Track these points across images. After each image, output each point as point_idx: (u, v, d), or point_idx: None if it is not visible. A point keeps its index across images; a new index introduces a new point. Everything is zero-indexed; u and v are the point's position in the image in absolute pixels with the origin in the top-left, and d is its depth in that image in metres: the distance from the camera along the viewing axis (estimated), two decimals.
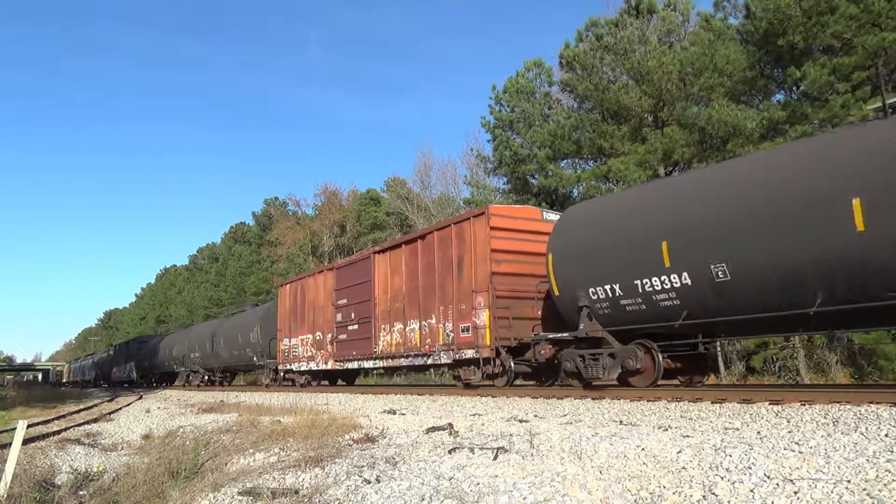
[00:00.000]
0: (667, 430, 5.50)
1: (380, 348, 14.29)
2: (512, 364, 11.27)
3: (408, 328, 13.34)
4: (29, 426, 6.71)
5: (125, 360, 43.79)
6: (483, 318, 11.19)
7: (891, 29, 14.65)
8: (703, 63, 18.48)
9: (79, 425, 12.24)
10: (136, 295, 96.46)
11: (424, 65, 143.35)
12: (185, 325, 49.10)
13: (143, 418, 13.19)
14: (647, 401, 8.04)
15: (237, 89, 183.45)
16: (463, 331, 11.66)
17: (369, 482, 4.52)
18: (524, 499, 3.73)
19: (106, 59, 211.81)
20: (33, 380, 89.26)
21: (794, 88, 18.01)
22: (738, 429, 5.43)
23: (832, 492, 3.26)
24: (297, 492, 4.58)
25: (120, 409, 17.41)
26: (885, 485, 3.27)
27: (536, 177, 24.25)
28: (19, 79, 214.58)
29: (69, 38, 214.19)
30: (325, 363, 16.83)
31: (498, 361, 11.24)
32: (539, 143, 22.99)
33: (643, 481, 3.85)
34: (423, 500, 3.93)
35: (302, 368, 18.22)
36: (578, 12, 78.87)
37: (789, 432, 4.96)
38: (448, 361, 12.23)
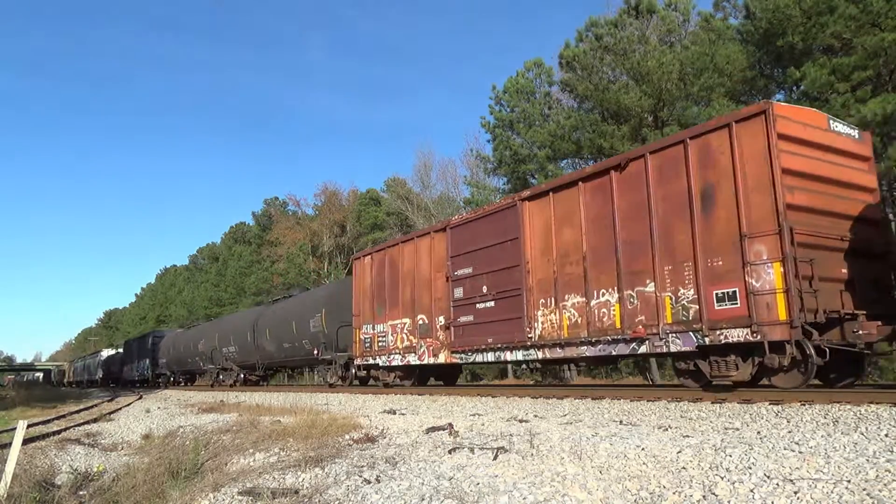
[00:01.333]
0: (667, 430, 5.50)
1: (538, 333, 10.30)
2: (813, 351, 7.23)
3: (594, 302, 9.41)
4: (29, 426, 6.71)
5: (138, 357, 39.98)
6: (769, 276, 7.37)
7: (890, 29, 14.65)
8: (703, 63, 18.49)
9: (79, 425, 12.23)
10: (136, 295, 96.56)
11: (424, 65, 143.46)
12: (208, 317, 45.18)
13: (143, 418, 13.19)
14: (647, 401, 8.04)
15: (237, 89, 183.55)
16: (720, 300, 7.80)
17: (369, 482, 4.52)
18: (524, 499, 3.73)
19: (106, 60, 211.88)
20: (35, 380, 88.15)
21: (794, 88, 18.01)
22: (738, 429, 5.43)
23: (832, 492, 3.26)
24: (297, 492, 4.58)
25: (120, 409, 17.41)
26: (885, 485, 3.27)
27: (536, 177, 24.25)
28: (19, 79, 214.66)
29: (69, 38, 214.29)
30: (435, 356, 12.50)
31: (789, 348, 7.33)
32: (539, 143, 22.99)
33: (643, 481, 3.86)
34: (423, 500, 3.93)
35: (394, 363, 13.99)
36: (578, 12, 78.89)
37: (789, 432, 4.96)
38: (687, 348, 8.16)
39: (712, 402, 7.31)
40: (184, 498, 4.94)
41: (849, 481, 3.38)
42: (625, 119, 20.98)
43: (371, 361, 14.85)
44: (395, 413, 9.23)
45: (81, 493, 5.75)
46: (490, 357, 11.41)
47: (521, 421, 7.01)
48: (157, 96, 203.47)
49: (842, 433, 4.69)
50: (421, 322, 13.05)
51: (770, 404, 6.68)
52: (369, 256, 15.39)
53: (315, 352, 18.40)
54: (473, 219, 12.04)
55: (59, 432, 10.60)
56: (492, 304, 11.27)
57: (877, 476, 3.42)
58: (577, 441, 5.07)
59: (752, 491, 3.43)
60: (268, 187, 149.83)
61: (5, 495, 5.11)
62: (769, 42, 17.09)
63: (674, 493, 3.58)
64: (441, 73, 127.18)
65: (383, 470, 4.84)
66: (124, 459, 7.54)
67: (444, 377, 15.95)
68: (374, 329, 14.82)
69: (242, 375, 25.03)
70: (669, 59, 19.18)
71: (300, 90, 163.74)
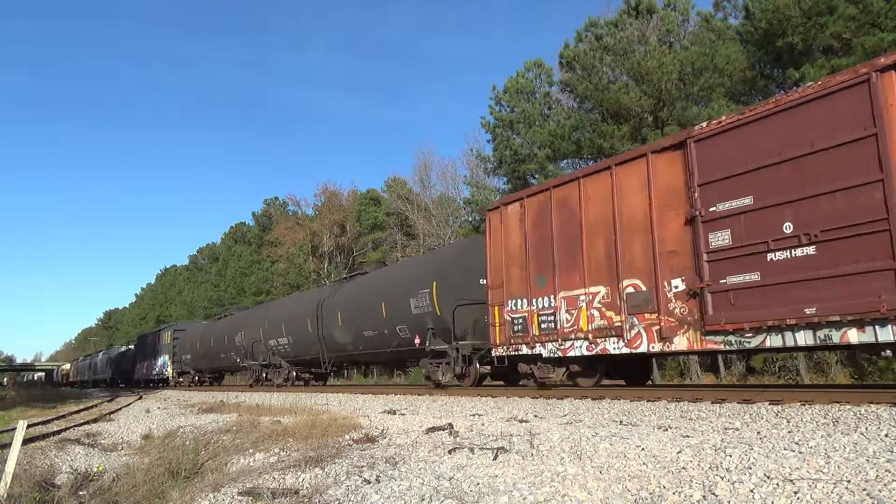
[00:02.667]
0: (667, 430, 5.51)
1: None
2: None
3: None
4: (29, 426, 6.71)
5: (155, 353, 35.96)
6: None
7: (890, 29, 14.66)
8: (703, 63, 18.50)
9: (79, 425, 12.23)
10: (136, 295, 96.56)
11: (424, 65, 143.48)
12: (244, 305, 38.43)
13: (143, 418, 13.19)
14: (647, 401, 8.05)
15: (237, 89, 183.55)
16: None
17: (369, 482, 4.53)
18: (524, 499, 3.73)
19: (106, 59, 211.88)
20: (36, 380, 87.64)
21: (794, 88, 18.00)
22: (738, 429, 5.43)
23: (832, 492, 3.26)
24: (297, 492, 4.58)
25: (120, 409, 17.40)
26: (885, 485, 3.27)
27: (536, 177, 24.26)
28: (19, 79, 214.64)
29: (69, 38, 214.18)
30: (665, 340, 8.20)
31: None
32: (539, 143, 23.01)
33: (643, 481, 3.86)
34: (423, 500, 3.93)
35: (572, 352, 9.63)
36: (578, 12, 78.89)
37: (789, 432, 4.96)
38: None
39: (712, 402, 7.32)
40: (184, 498, 4.94)
41: (849, 481, 3.38)
42: (625, 119, 21.00)
43: (525, 351, 10.48)
44: (395, 413, 9.23)
45: (81, 493, 5.75)
46: (805, 338, 6.90)
47: (521, 421, 7.01)
48: (157, 96, 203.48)
49: (842, 433, 4.70)
50: (631, 290, 8.71)
51: (770, 404, 6.68)
52: (517, 204, 10.91)
53: (416, 340, 13.72)
54: (751, 119, 7.59)
55: (59, 432, 10.60)
56: (809, 250, 6.95)
57: (877, 476, 3.42)
58: (577, 441, 5.07)
59: (752, 491, 3.43)
60: (268, 187, 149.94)
61: (5, 495, 5.11)
62: (769, 42, 17.11)
63: (674, 493, 3.58)
64: (441, 73, 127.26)
65: (383, 470, 4.84)
66: (124, 459, 7.54)
67: (625, 373, 11.19)
68: (531, 305, 10.38)
69: (294, 373, 20.86)
70: (669, 59, 19.20)
71: (300, 90, 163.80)
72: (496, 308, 11.08)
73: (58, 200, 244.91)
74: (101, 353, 58.81)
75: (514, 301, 10.73)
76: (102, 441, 9.84)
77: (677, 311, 8.13)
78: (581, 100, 22.40)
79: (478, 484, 4.13)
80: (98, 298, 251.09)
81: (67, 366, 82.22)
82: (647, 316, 8.53)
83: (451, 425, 6.61)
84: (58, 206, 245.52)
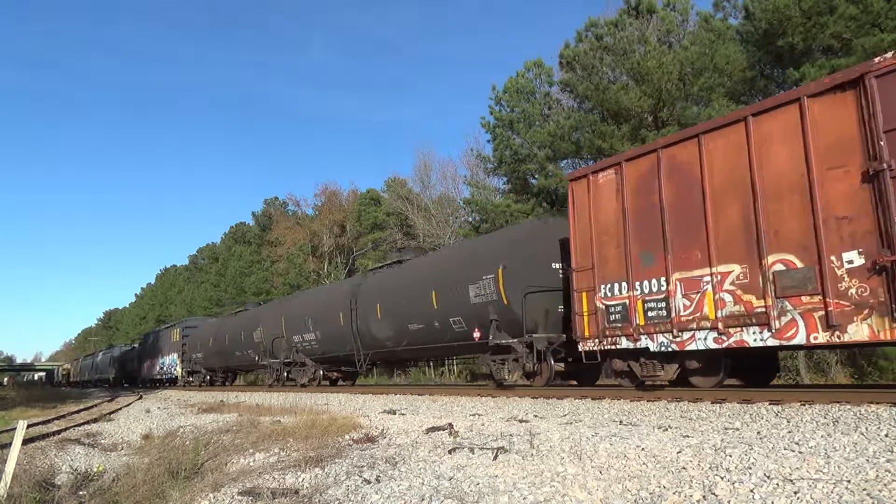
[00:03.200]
0: (667, 430, 5.50)
1: None
2: None
3: None
4: (29, 426, 6.71)
5: (163, 351, 33.89)
6: None
7: (890, 29, 14.65)
8: (703, 63, 18.48)
9: (79, 425, 12.23)
10: (136, 295, 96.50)
11: (424, 65, 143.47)
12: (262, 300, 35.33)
13: (142, 418, 13.18)
14: (647, 401, 8.05)
15: (237, 89, 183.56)
16: None
17: (369, 482, 4.52)
18: (524, 499, 3.73)
19: (107, 58, 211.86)
20: (37, 380, 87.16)
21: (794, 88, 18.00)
22: (738, 429, 5.43)
23: (832, 492, 3.26)
24: (297, 492, 4.58)
25: (120, 409, 17.40)
26: (885, 485, 3.27)
27: (536, 177, 24.27)
28: (19, 79, 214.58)
29: (69, 37, 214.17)
30: (836, 330, 6.68)
31: None
32: (539, 144, 22.99)
33: (643, 481, 3.86)
34: (422, 500, 3.93)
35: (693, 346, 8.08)
36: (578, 12, 78.91)
37: (789, 432, 4.96)
38: None
39: (712, 402, 7.32)
40: (184, 498, 4.94)
41: (849, 481, 3.38)
42: (624, 119, 20.99)
43: (624, 345, 8.86)
44: (395, 413, 9.23)
45: (81, 493, 5.75)
46: None
47: (521, 421, 7.01)
48: (157, 95, 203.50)
49: (842, 433, 4.70)
50: (780, 268, 7.21)
51: (770, 404, 6.69)
52: (611, 171, 9.32)
53: (476, 334, 11.93)
54: None
55: (58, 432, 10.60)
56: None
57: (877, 476, 3.42)
58: (577, 441, 5.07)
59: (752, 491, 3.43)
60: (268, 187, 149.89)
61: (5, 495, 5.11)
62: (769, 42, 17.09)
63: (674, 493, 3.58)
64: (441, 73, 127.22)
65: (383, 470, 4.84)
66: (124, 459, 7.53)
67: (748, 371, 9.28)
68: (632, 290, 8.83)
69: (321, 372, 18.95)
70: (669, 59, 19.19)
71: (300, 90, 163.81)
72: (584, 294, 9.46)
73: (58, 200, 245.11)
74: (103, 352, 56.56)
75: (608, 286, 9.14)
76: (102, 441, 9.84)
77: (853, 291, 6.55)
78: (581, 100, 22.39)
79: (478, 484, 4.13)
80: (98, 298, 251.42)
81: (68, 365, 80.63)
82: (805, 299, 6.92)
83: (451, 425, 6.61)
84: (58, 206, 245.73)
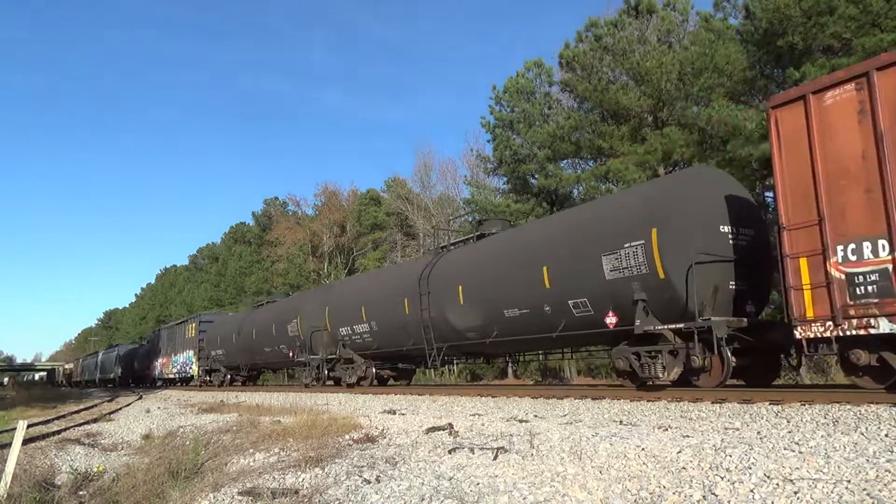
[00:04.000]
0: (667, 430, 5.50)
1: None
2: None
3: None
4: (29, 426, 6.71)
5: (175, 348, 31.38)
6: None
7: (890, 30, 14.65)
8: (703, 63, 18.48)
9: (79, 425, 12.23)
10: (136, 295, 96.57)
11: (424, 65, 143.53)
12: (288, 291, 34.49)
13: (142, 418, 13.19)
14: (647, 401, 8.05)
15: (237, 89, 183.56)
16: None
17: (369, 482, 4.52)
18: (524, 499, 3.73)
19: (107, 57, 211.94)
20: (38, 380, 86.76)
21: None
22: (738, 429, 5.43)
23: (832, 492, 3.26)
24: (297, 492, 4.58)
25: (120, 409, 17.41)
26: (885, 485, 3.27)
27: (536, 177, 24.27)
28: (19, 79, 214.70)
29: (70, 37, 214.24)
30: None
31: None
32: (539, 144, 23.00)
33: (643, 481, 3.86)
34: (422, 500, 3.93)
35: None
36: (578, 12, 78.92)
37: (789, 432, 4.96)
38: None
39: (712, 402, 7.32)
40: (184, 498, 4.94)
41: (849, 481, 3.38)
42: (624, 119, 20.99)
43: (883, 328, 6.56)
44: (395, 413, 9.23)
45: (81, 493, 5.75)
46: None
47: (521, 421, 7.01)
48: (157, 95, 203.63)
49: (842, 433, 4.70)
50: None
51: (770, 404, 6.69)
52: (850, 87, 6.95)
53: (610, 319, 9.43)
54: None
55: (59, 432, 10.61)
56: None
57: (877, 476, 3.42)
58: (577, 441, 5.07)
59: (752, 491, 3.43)
60: (268, 187, 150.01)
61: (5, 495, 5.11)
62: (769, 42, 17.09)
63: (674, 493, 3.58)
64: (441, 72, 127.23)
65: (383, 470, 4.84)
66: (124, 459, 7.54)
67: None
68: None
69: (373, 370, 16.24)
70: (669, 59, 19.19)
71: (301, 90, 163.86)
72: (803, 261, 7.18)
73: (58, 200, 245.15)
74: (108, 351, 53.51)
75: (849, 246, 6.80)
76: (102, 441, 9.84)
77: None
78: (581, 100, 22.40)
79: (478, 484, 4.13)
80: (98, 298, 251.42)
81: (70, 365, 77.09)
82: None
83: (451, 425, 6.61)
84: (58, 206, 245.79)
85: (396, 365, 16.65)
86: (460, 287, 12.31)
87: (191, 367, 28.78)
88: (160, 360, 34.24)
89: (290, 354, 19.26)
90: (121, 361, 46.04)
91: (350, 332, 16.21)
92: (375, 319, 15.18)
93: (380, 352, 15.63)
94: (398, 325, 14.39)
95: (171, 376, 32.14)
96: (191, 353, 28.89)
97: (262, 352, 21.69)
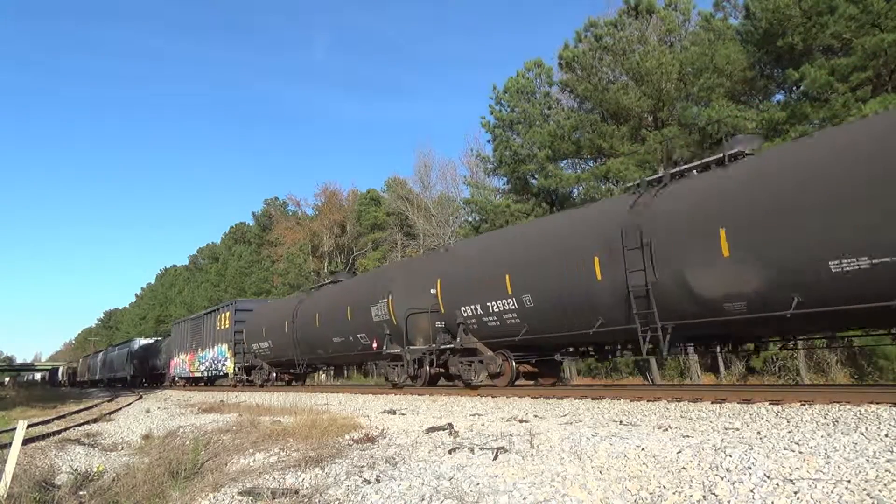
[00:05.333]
0: (667, 430, 5.50)
1: None
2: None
3: None
4: (29, 426, 6.71)
5: (204, 343, 26.68)
6: None
7: (890, 29, 14.66)
8: (703, 63, 18.49)
9: (79, 425, 12.23)
10: (136, 295, 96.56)
11: (424, 65, 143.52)
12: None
13: (142, 418, 13.19)
14: (647, 401, 8.04)
15: (237, 89, 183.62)
16: None
17: (369, 482, 4.52)
18: (524, 499, 3.73)
19: (106, 59, 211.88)
20: (40, 380, 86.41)
21: (794, 89, 18.02)
22: (738, 429, 5.43)
23: (832, 492, 3.26)
24: (297, 492, 4.58)
25: (120, 409, 17.41)
26: (885, 485, 3.27)
27: (536, 177, 24.27)
28: (19, 79, 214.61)
29: (69, 38, 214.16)
30: None
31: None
32: (539, 144, 23.01)
33: (643, 481, 3.85)
34: (423, 500, 3.93)
35: None
36: (579, 12, 78.96)
37: (789, 432, 4.96)
38: None
39: (712, 402, 7.32)
40: (184, 498, 4.94)
41: (849, 481, 3.38)
42: (624, 119, 21.00)
43: None
44: (395, 413, 9.23)
45: (81, 493, 5.75)
46: None
47: (521, 421, 7.01)
48: (158, 95, 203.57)
49: (842, 433, 4.69)
50: None
51: (770, 404, 6.68)
52: None
53: None
54: None
55: (59, 432, 10.61)
56: None
57: (877, 476, 3.42)
58: (577, 441, 5.07)
59: (752, 491, 3.43)
60: (268, 187, 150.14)
61: (5, 495, 5.11)
62: (769, 42, 17.10)
63: (674, 493, 3.58)
64: (441, 73, 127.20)
65: (383, 470, 4.84)
66: (124, 459, 7.54)
67: None
68: None
69: (513, 363, 11.65)
70: (669, 59, 19.20)
71: (301, 90, 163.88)
72: None
73: (58, 200, 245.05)
74: (118, 348, 48.56)
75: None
76: (102, 441, 9.84)
77: None
78: (581, 100, 22.41)
79: (478, 484, 4.13)
80: (98, 298, 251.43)
81: (75, 364, 71.60)
82: None
83: (451, 425, 6.60)
84: (58, 206, 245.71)
85: (553, 354, 11.60)
86: (723, 231, 7.69)
87: (224, 364, 24.18)
88: (183, 357, 29.85)
89: (374, 345, 15.01)
90: (132, 359, 42.08)
91: (481, 312, 11.59)
92: (532, 292, 10.44)
93: (533, 338, 10.82)
94: (569, 297, 9.87)
95: (198, 375, 27.59)
96: (224, 347, 24.29)
97: (329, 343, 17.32)
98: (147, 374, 39.25)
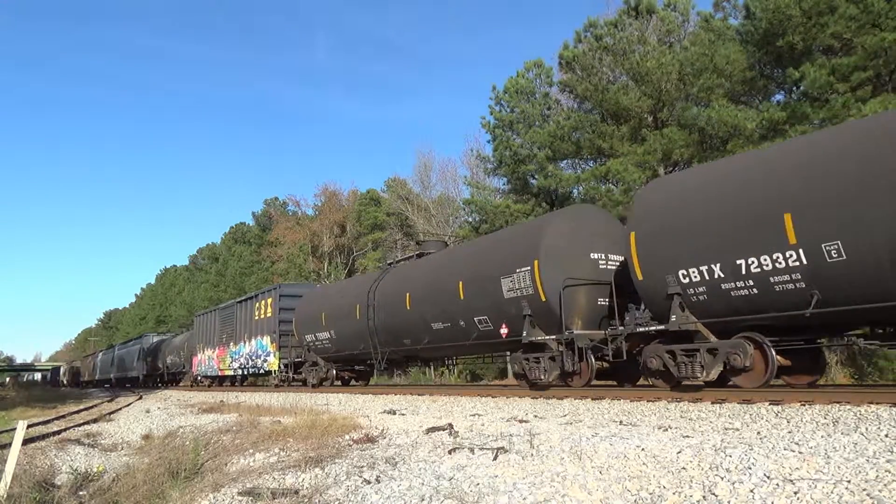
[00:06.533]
0: (667, 430, 5.50)
1: None
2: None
3: None
4: (29, 426, 6.71)
5: (236, 335, 23.20)
6: None
7: (890, 29, 14.65)
8: (703, 63, 18.49)
9: (79, 426, 12.23)
10: (135, 295, 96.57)
11: (424, 65, 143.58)
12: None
13: (142, 418, 13.19)
14: (647, 401, 8.04)
15: (237, 89, 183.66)
16: None
17: (369, 482, 4.52)
18: (524, 499, 3.73)
19: (106, 59, 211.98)
20: (42, 380, 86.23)
21: (794, 89, 18.02)
22: (738, 429, 5.43)
23: (832, 492, 3.26)
24: (297, 492, 4.58)
25: (120, 409, 17.41)
26: (885, 485, 3.27)
27: (536, 177, 24.26)
28: (19, 79, 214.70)
29: (69, 38, 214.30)
30: None
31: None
32: (539, 144, 23.00)
33: (643, 481, 3.85)
34: (422, 500, 3.93)
35: None
36: (579, 12, 79.02)
37: (789, 432, 4.96)
38: None
39: (712, 403, 7.31)
40: (184, 498, 4.94)
41: (849, 482, 3.38)
42: (624, 119, 20.99)
43: None
44: (395, 413, 9.23)
45: (81, 493, 5.75)
46: None
47: (520, 421, 7.01)
48: (157, 95, 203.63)
49: (842, 433, 4.69)
50: None
51: (770, 404, 6.68)
52: None
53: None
54: None
55: (59, 432, 10.61)
56: None
57: (877, 476, 3.42)
58: (577, 441, 5.07)
59: (752, 491, 3.43)
60: (268, 187, 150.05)
61: (5, 495, 5.11)
62: (769, 42, 17.10)
63: (674, 494, 3.58)
64: (441, 73, 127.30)
65: (383, 470, 4.84)
66: (124, 460, 7.54)
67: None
68: None
69: (773, 354, 7.65)
70: (669, 59, 19.19)
71: (301, 90, 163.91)
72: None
73: (58, 200, 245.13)
74: (130, 344, 43.97)
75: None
76: (102, 441, 9.84)
77: None
78: (581, 100, 22.40)
79: (478, 484, 4.13)
80: (98, 298, 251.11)
81: (78, 363, 68.15)
82: None
83: (451, 425, 6.60)
84: (58, 206, 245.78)
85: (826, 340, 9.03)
86: None
87: (264, 360, 20.58)
88: (209, 352, 26.10)
89: (503, 330, 11.15)
90: (144, 357, 38.25)
91: (717, 275, 7.89)
92: (842, 237, 6.76)
93: (831, 313, 7.13)
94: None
95: (230, 373, 23.90)
96: (264, 339, 20.69)
97: (425, 331, 13.10)
98: (162, 373, 35.28)
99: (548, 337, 10.31)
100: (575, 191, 24.03)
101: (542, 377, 10.47)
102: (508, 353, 13.18)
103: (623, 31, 20.52)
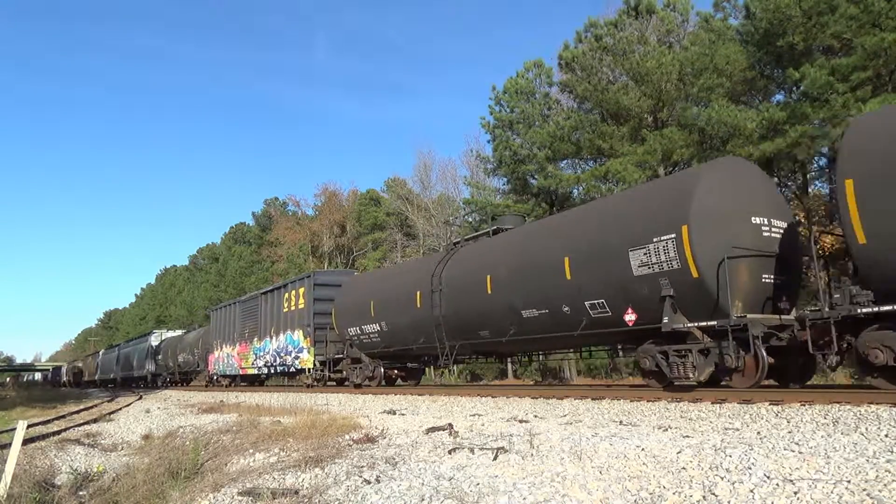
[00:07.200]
0: (667, 430, 5.50)
1: None
2: None
3: None
4: (29, 426, 6.71)
5: (261, 329, 21.09)
6: None
7: (890, 29, 14.66)
8: (703, 63, 18.50)
9: (79, 425, 12.23)
10: (135, 295, 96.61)
11: (424, 65, 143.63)
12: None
13: (142, 419, 13.19)
14: (647, 401, 8.04)
15: (237, 89, 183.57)
16: None
17: (369, 482, 4.52)
18: (524, 499, 3.73)
19: (106, 59, 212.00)
20: (42, 380, 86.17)
21: (794, 89, 18.02)
22: (738, 429, 5.43)
23: (832, 492, 3.26)
24: (297, 492, 4.58)
25: (120, 409, 17.41)
26: (885, 485, 3.27)
27: (536, 177, 24.28)
28: (19, 79, 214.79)
29: (69, 38, 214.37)
30: None
31: None
32: (539, 144, 23.01)
33: (643, 481, 3.85)
34: (422, 500, 3.93)
35: None
36: (579, 12, 79.06)
37: (789, 432, 4.96)
38: None
39: (712, 403, 7.31)
40: (184, 498, 4.94)
41: (849, 481, 3.38)
42: (624, 119, 21.00)
43: None
44: (395, 413, 9.23)
45: (81, 493, 5.75)
46: None
47: (521, 421, 7.01)
48: (157, 95, 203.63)
49: (842, 433, 4.69)
50: None
51: (770, 404, 6.68)
52: None
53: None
54: None
55: (59, 432, 10.61)
56: None
57: (877, 476, 3.42)
58: (577, 441, 5.07)
59: (752, 491, 3.43)
60: (268, 187, 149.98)
61: (5, 495, 5.11)
62: (769, 42, 17.11)
63: (674, 494, 3.57)
64: (442, 73, 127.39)
65: (383, 470, 4.84)
66: (124, 460, 7.54)
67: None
68: None
69: None
70: (669, 59, 19.20)
71: (301, 90, 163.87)
72: None
73: (58, 200, 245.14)
74: (137, 342, 41.88)
75: None
76: (102, 441, 9.84)
77: None
78: (581, 100, 22.41)
79: (478, 484, 4.13)
80: (98, 298, 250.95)
81: (80, 363, 65.08)
82: None
83: (451, 425, 6.61)
84: (58, 206, 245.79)
85: None
86: None
87: (296, 357, 18.40)
88: (228, 349, 24.05)
89: (629, 317, 8.95)
90: (153, 355, 36.03)
91: None
92: None
93: None
94: None
95: (253, 371, 21.72)
96: (296, 334, 18.52)
97: (511, 319, 10.99)
98: (174, 372, 32.87)
99: (709, 323, 7.77)
100: (575, 191, 24.04)
101: (691, 374, 8.19)
102: (619, 345, 10.90)
103: (623, 32, 20.54)
